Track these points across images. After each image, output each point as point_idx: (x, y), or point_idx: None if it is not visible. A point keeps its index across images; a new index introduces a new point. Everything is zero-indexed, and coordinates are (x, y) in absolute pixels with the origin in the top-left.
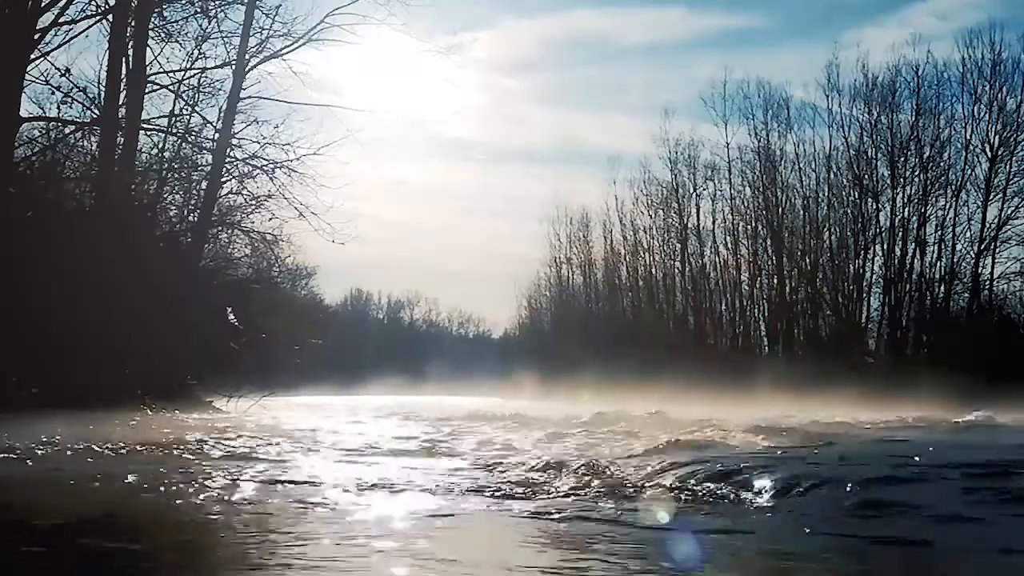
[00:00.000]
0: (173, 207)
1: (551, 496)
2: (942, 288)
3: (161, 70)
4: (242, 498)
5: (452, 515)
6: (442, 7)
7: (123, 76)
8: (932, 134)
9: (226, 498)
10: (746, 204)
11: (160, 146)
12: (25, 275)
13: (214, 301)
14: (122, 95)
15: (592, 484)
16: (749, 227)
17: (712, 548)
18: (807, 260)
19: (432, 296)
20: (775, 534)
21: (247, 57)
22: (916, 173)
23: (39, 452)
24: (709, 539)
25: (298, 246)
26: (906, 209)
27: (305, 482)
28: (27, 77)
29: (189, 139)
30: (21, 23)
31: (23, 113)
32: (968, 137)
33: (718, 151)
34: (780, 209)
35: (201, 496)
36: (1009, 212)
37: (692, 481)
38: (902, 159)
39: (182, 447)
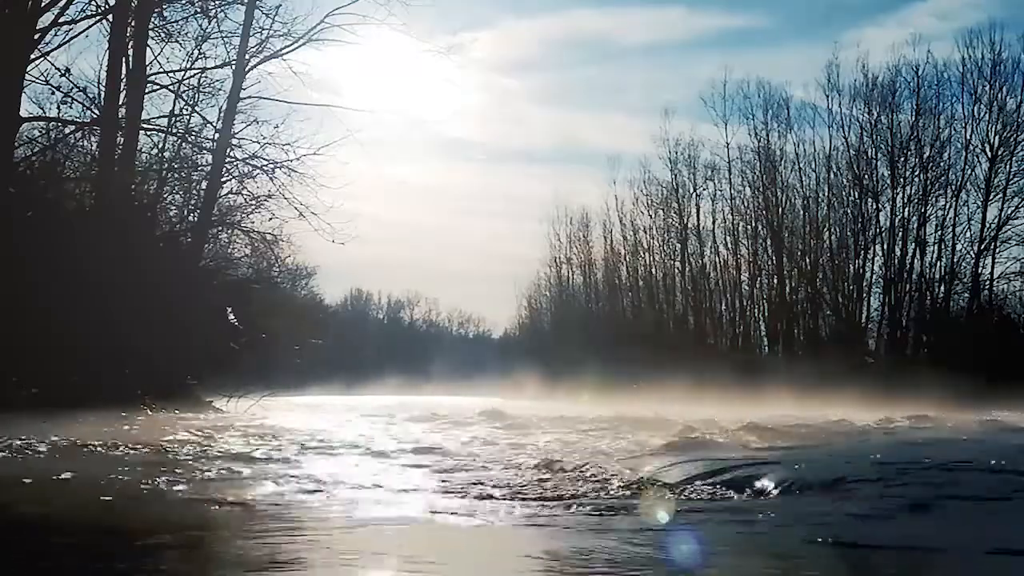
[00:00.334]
0: (173, 207)
1: (551, 496)
2: (942, 288)
3: (161, 70)
4: (240, 498)
5: (451, 515)
6: (442, 7)
7: (123, 76)
8: (932, 134)
9: (225, 498)
10: (746, 204)
11: (160, 146)
12: (25, 275)
13: (214, 301)
14: (122, 95)
15: (592, 484)
16: (749, 227)
17: (712, 548)
18: (807, 260)
19: (432, 296)
20: (775, 534)
21: (247, 57)
22: (916, 173)
23: (38, 452)
24: (709, 539)
25: (298, 246)
26: (906, 209)
27: (304, 482)
28: (27, 77)
29: (189, 139)
30: (21, 23)
31: (23, 113)
32: (968, 137)
33: (718, 151)
34: (780, 209)
35: (200, 496)
36: (1009, 212)
37: (692, 481)
38: (902, 159)
39: (181, 447)
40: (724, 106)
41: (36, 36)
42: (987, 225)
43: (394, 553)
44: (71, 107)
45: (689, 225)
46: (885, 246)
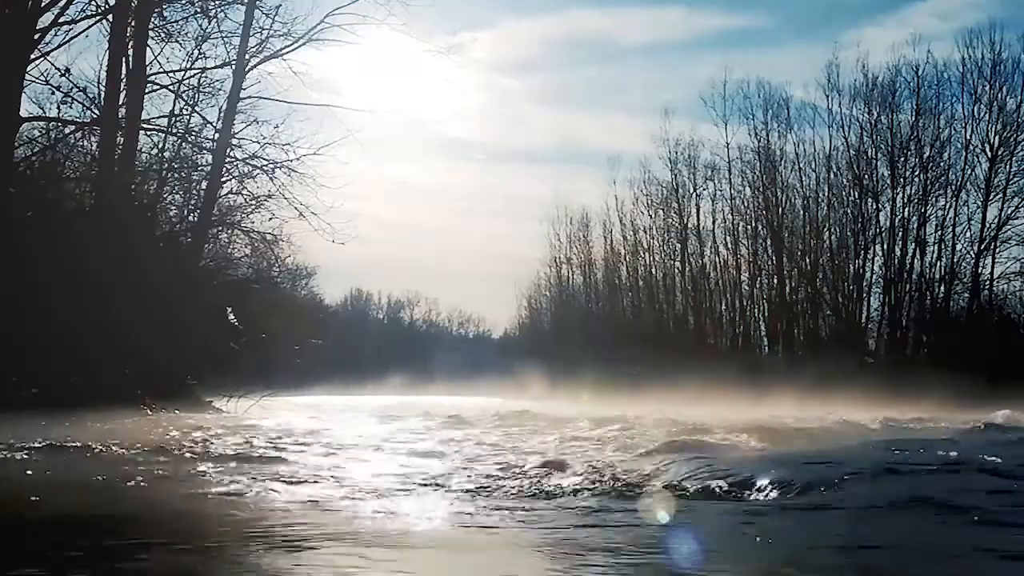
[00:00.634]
0: (173, 207)
1: (550, 496)
2: (942, 288)
3: (161, 70)
4: (239, 498)
5: (450, 515)
6: (442, 7)
7: (123, 76)
8: (932, 134)
9: (223, 498)
10: (746, 204)
11: (160, 146)
12: (25, 275)
13: (214, 301)
14: (122, 95)
15: (592, 484)
16: (749, 227)
17: (712, 548)
18: (807, 260)
19: (432, 296)
20: (775, 534)
21: (247, 57)
22: (916, 173)
23: (38, 452)
24: (709, 539)
25: (298, 246)
26: (906, 209)
27: (303, 482)
28: (27, 77)
29: (189, 139)
30: (21, 23)
31: (23, 113)
32: (968, 137)
33: (718, 151)
34: (780, 209)
35: (198, 496)
36: (1009, 212)
37: (692, 481)
38: (902, 159)
39: (180, 447)
40: (724, 106)
41: (36, 36)
42: (987, 225)
43: (391, 552)
44: (71, 107)
45: (689, 225)
46: (885, 246)
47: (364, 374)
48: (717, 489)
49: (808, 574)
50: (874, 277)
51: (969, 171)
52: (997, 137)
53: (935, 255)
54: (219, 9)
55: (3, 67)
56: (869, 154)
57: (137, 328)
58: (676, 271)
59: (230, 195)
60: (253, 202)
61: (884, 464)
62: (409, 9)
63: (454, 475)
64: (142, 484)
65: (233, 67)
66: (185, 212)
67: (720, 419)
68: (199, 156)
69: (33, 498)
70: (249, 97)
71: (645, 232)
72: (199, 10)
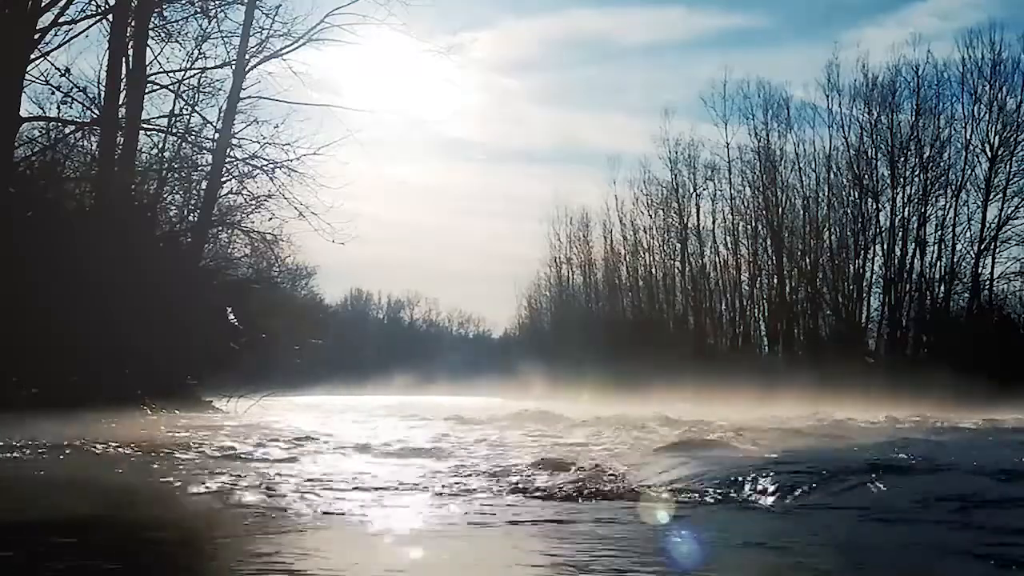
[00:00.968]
0: (173, 207)
1: (550, 496)
2: (942, 288)
3: (161, 70)
4: (237, 498)
5: (449, 515)
6: (442, 7)
7: (123, 76)
8: (932, 134)
9: (222, 498)
10: (746, 204)
11: (160, 146)
12: (25, 275)
13: (214, 301)
14: (122, 95)
15: (592, 484)
16: (749, 227)
17: (712, 547)
18: (807, 260)
19: (432, 296)
20: (775, 534)
21: (247, 57)
22: (916, 173)
23: (38, 452)
24: (709, 539)
25: (298, 246)
26: (906, 209)
27: (301, 482)
28: (27, 77)
29: (189, 139)
30: (21, 23)
31: (23, 113)
32: (968, 137)
33: (718, 151)
34: (780, 209)
35: (198, 496)
36: (1009, 212)
37: (692, 481)
38: (902, 159)
39: (180, 447)
40: (724, 106)
41: (36, 36)
42: (987, 225)
43: (389, 551)
44: (71, 107)
45: (689, 225)
46: (885, 246)
47: (364, 374)
48: (717, 489)
49: (808, 574)
50: (874, 277)
51: (969, 171)
52: (997, 137)
53: (935, 255)
54: (219, 9)
55: (3, 67)
56: (869, 154)
57: (137, 328)
58: (676, 271)
59: (230, 195)
60: (253, 202)
61: (884, 464)
62: (409, 9)
63: (452, 475)
64: (138, 484)
65: (233, 67)
66: (185, 212)
67: (720, 419)
68: (199, 156)
69: (32, 498)
70: (249, 97)
71: (645, 232)
72: (199, 10)
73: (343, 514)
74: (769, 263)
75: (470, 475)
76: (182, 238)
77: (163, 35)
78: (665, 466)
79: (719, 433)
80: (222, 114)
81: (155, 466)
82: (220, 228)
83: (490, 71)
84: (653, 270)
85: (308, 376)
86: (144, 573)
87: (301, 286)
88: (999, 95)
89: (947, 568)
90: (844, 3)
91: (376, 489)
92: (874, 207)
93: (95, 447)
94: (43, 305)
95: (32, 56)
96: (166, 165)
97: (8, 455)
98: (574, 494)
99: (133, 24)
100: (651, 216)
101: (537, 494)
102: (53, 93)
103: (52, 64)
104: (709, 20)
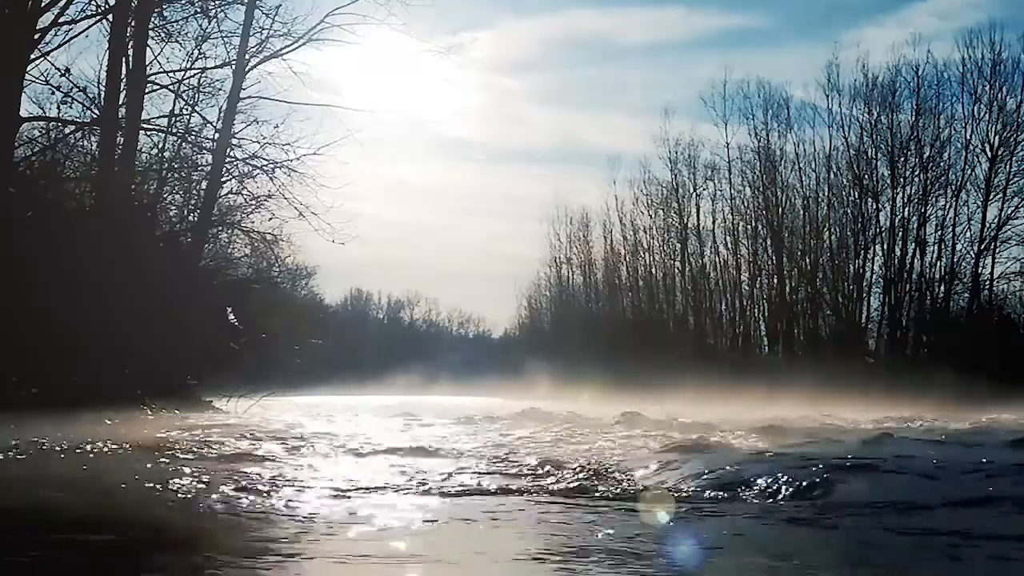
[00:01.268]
0: (173, 207)
1: (551, 496)
2: (942, 288)
3: (161, 70)
4: (237, 499)
5: (448, 515)
6: (442, 7)
7: (123, 76)
8: (932, 134)
9: (222, 498)
10: (746, 204)
11: (160, 146)
12: (25, 275)
13: (214, 301)
14: (122, 95)
15: (592, 484)
16: (749, 227)
17: (712, 547)
18: (807, 260)
19: (432, 296)
20: (775, 534)
21: (247, 57)
22: (916, 173)
23: (38, 452)
24: (708, 538)
25: (298, 246)
26: (906, 209)
27: (301, 482)
28: (27, 77)
29: (189, 139)
30: (21, 23)
31: (23, 113)
32: (968, 137)
33: (718, 151)
34: (780, 209)
35: (197, 496)
36: (1009, 212)
37: (692, 481)
38: (902, 159)
39: (180, 447)
40: (724, 106)
41: (36, 36)
42: (987, 225)
43: (387, 550)
44: (71, 107)
45: (689, 225)
46: (885, 246)
47: (364, 374)
48: (717, 489)
49: (808, 573)
50: (874, 277)
51: (969, 171)
52: (997, 137)
53: (935, 255)
54: (219, 9)
55: (3, 67)
56: (869, 154)
57: (137, 328)
58: (676, 271)
59: (230, 195)
60: (253, 202)
61: (884, 464)
62: (409, 9)
63: (452, 475)
64: (138, 484)
65: (233, 67)
66: (185, 212)
67: (720, 419)
68: (199, 156)
69: (32, 498)
70: (249, 97)
71: (645, 232)
72: (199, 10)
73: (344, 514)
74: (769, 263)
75: (471, 475)
76: (182, 238)
77: (163, 35)
78: (664, 465)
79: (719, 433)
80: (222, 114)
81: (155, 466)
82: (220, 228)
83: (490, 71)
84: (653, 270)
85: (308, 376)
86: (142, 572)
87: (301, 286)
88: (999, 95)
89: (948, 568)
90: (844, 3)
91: (376, 489)
92: (874, 207)
93: (93, 447)
94: (43, 305)
95: (32, 56)
96: (166, 165)
97: (8, 455)
98: (573, 494)
99: (133, 24)
100: (651, 216)
101: (538, 493)
102: (53, 93)
103: (52, 64)
104: (709, 20)
